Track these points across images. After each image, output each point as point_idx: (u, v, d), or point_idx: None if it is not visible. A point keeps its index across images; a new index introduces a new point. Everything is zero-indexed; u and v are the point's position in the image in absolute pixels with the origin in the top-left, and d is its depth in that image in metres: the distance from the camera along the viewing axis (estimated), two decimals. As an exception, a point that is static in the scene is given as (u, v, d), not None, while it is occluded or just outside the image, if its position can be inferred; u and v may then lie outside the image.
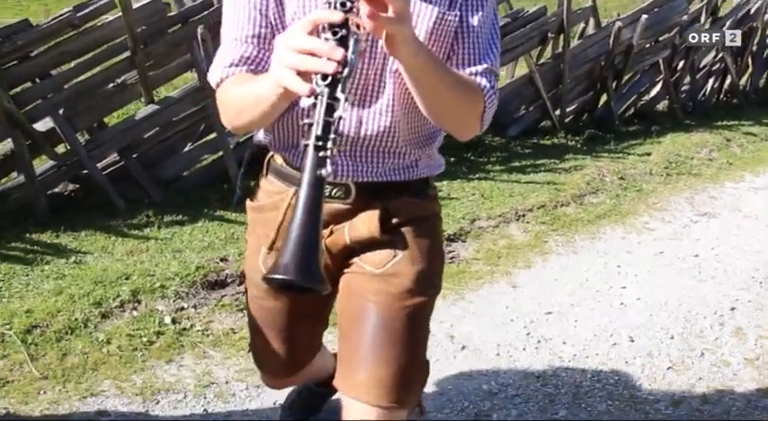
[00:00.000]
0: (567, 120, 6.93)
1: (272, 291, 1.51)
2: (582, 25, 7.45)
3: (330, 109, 1.03)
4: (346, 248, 1.47)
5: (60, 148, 4.39)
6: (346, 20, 1.05)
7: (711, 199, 5.28)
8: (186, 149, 4.73)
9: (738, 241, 4.42)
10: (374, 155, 1.42)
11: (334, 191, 1.42)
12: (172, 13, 4.61)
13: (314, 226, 1.02)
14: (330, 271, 1.45)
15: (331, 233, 1.46)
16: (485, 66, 1.36)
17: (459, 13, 1.35)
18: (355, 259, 1.47)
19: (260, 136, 1.53)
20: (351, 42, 1.05)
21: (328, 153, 1.04)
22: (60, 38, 4.26)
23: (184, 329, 2.92)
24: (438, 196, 1.58)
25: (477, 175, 5.26)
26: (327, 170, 1.03)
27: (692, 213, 4.93)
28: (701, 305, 3.48)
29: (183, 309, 3.06)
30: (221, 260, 3.43)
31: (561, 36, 6.57)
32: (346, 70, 1.04)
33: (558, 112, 6.79)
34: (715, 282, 3.78)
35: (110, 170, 4.48)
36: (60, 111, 4.24)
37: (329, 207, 1.40)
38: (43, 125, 4.27)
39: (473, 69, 1.36)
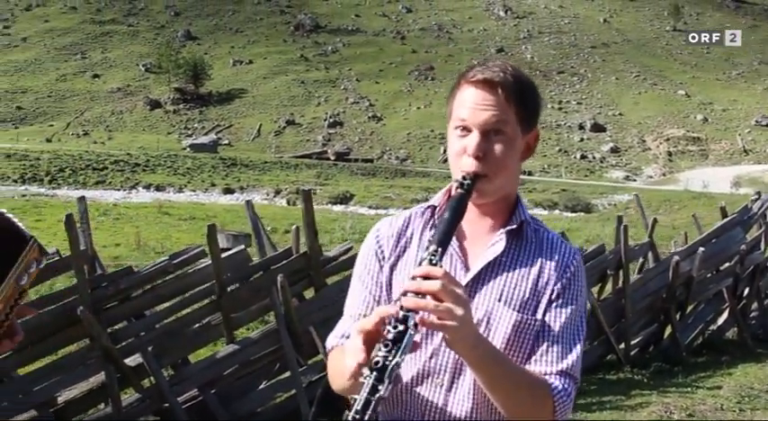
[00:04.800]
0: (632, 353, 6.94)
1: None
2: (641, 259, 7.66)
3: (373, 390, 1.19)
4: None
5: (145, 382, 4.72)
6: (406, 317, 1.22)
7: (790, 440, 5.12)
8: (261, 387, 5.00)
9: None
10: None
11: None
12: (255, 262, 5.10)
13: None
14: None
15: None
16: (560, 368, 1.40)
17: (540, 318, 1.43)
18: None
19: None
20: (406, 337, 1.21)
21: None
22: (156, 282, 4.76)
23: None
24: None
25: (542, 415, 5.26)
26: None
27: (768, 458, 4.78)
28: None
29: None
30: None
31: (620, 271, 6.73)
32: (395, 360, 1.19)
33: (622, 346, 6.81)
34: None
35: (189, 404, 4.75)
36: (150, 348, 4.63)
37: None
38: (132, 360, 4.65)
39: (548, 369, 1.41)
